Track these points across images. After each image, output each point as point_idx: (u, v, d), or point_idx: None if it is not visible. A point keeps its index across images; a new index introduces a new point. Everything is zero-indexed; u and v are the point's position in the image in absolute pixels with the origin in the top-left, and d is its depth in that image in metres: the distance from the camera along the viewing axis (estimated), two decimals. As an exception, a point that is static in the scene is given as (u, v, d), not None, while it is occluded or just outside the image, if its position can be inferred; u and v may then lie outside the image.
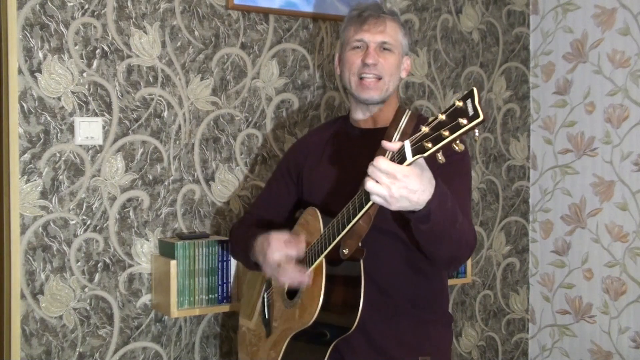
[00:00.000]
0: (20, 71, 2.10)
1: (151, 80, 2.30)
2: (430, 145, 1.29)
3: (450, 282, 2.78)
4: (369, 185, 1.37)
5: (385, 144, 1.39)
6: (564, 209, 3.06)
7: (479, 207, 3.04)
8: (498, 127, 3.09)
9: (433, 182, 1.41)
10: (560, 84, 3.06)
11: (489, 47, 3.04)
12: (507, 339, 3.17)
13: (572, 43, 3.00)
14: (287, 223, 1.98)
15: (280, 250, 1.72)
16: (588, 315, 2.97)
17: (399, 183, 1.35)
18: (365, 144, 1.79)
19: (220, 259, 2.27)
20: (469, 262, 2.79)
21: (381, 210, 1.63)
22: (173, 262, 2.19)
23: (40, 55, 2.13)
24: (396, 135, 1.74)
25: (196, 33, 2.37)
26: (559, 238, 3.08)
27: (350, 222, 1.54)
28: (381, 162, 1.35)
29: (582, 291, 2.99)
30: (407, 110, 1.81)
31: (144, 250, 2.31)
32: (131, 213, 2.28)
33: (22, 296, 2.13)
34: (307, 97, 2.59)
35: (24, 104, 2.11)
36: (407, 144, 1.34)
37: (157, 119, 2.31)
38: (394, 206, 1.38)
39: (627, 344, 2.83)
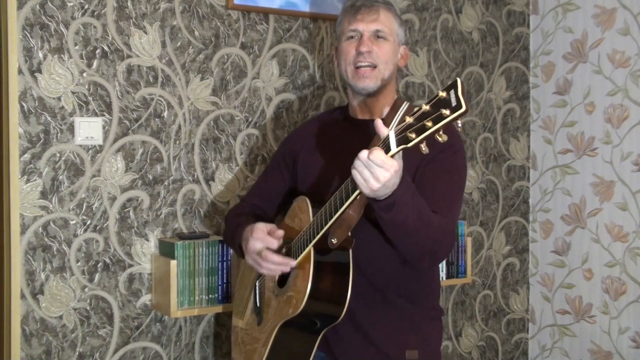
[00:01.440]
0: (20, 71, 2.10)
1: (151, 80, 2.30)
2: (413, 135, 1.31)
3: (450, 282, 2.78)
4: (358, 168, 1.41)
5: (377, 124, 1.41)
6: (564, 209, 3.06)
7: (479, 207, 3.04)
8: (498, 127, 3.09)
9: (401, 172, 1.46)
10: (560, 84, 3.06)
11: (489, 47, 3.04)
12: (507, 339, 3.17)
13: (572, 43, 3.00)
14: (280, 211, 2.00)
15: (261, 240, 1.75)
16: (588, 315, 2.97)
17: (388, 175, 1.39)
18: (360, 135, 1.80)
19: (220, 259, 2.27)
20: (469, 262, 2.79)
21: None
22: (173, 262, 2.19)
23: (40, 55, 2.13)
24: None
25: (196, 33, 2.37)
26: (559, 238, 3.08)
27: (338, 210, 1.55)
28: (378, 154, 1.38)
29: (582, 291, 2.99)
30: (405, 102, 1.82)
31: (144, 250, 2.31)
32: (131, 213, 2.28)
33: (22, 296, 2.13)
34: (307, 97, 2.59)
35: (24, 104, 2.12)
36: (392, 135, 1.36)
37: (157, 119, 2.31)
38: (372, 193, 1.44)
39: (627, 344, 2.84)
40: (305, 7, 2.54)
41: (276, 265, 1.73)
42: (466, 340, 3.04)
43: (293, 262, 1.72)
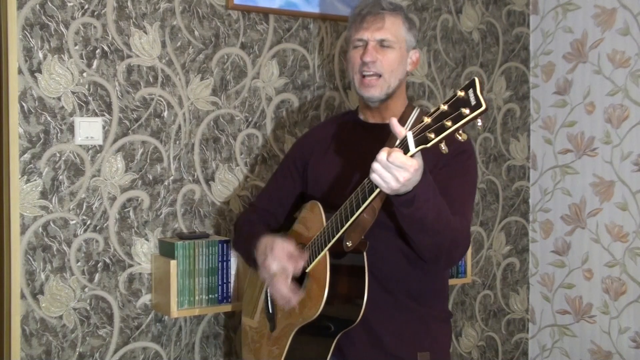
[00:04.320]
0: (20, 71, 2.10)
1: (151, 80, 2.30)
2: (433, 135, 1.31)
3: (450, 282, 2.77)
4: (376, 169, 1.41)
5: (393, 122, 1.41)
6: (564, 209, 3.06)
7: (479, 207, 3.04)
8: (498, 127, 3.09)
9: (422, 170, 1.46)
10: (560, 84, 3.06)
11: (489, 47, 3.04)
12: (507, 339, 3.17)
13: (572, 43, 3.00)
14: (291, 216, 1.99)
15: (280, 261, 1.72)
16: (588, 315, 2.97)
17: (408, 175, 1.39)
18: (372, 139, 1.79)
19: (220, 259, 2.27)
20: (469, 262, 2.79)
21: (384, 206, 1.65)
22: (173, 262, 2.19)
23: (40, 55, 2.13)
24: None
25: (196, 33, 2.37)
26: (559, 238, 3.08)
27: (354, 213, 1.56)
28: (397, 157, 1.38)
29: (582, 291, 2.99)
30: (417, 107, 1.81)
31: (144, 250, 2.31)
32: (131, 213, 2.28)
33: (22, 296, 2.13)
34: (307, 97, 2.59)
35: (24, 104, 2.11)
36: (410, 135, 1.36)
37: (157, 119, 2.31)
38: (392, 191, 1.44)
39: (627, 344, 2.84)
40: (305, 7, 2.54)
41: (282, 296, 1.73)
42: (466, 340, 3.04)
43: (295, 300, 1.72)
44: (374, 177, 1.43)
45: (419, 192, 1.46)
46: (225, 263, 2.28)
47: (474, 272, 3.03)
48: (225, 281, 2.28)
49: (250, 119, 2.48)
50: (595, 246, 2.94)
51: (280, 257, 1.72)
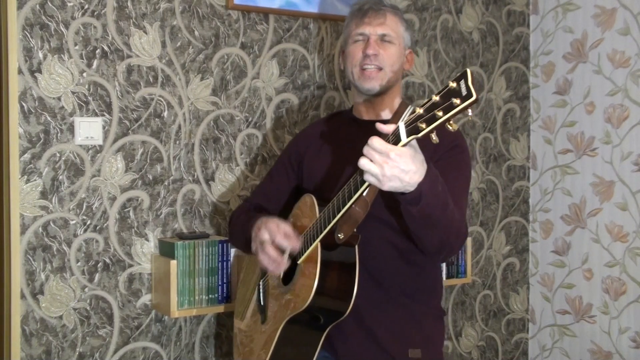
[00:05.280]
0: (20, 71, 2.10)
1: (151, 80, 2.30)
2: (424, 125, 1.32)
3: (450, 282, 2.78)
4: (362, 162, 1.40)
5: (379, 125, 1.42)
6: (564, 209, 3.06)
7: (479, 207, 3.04)
8: (498, 127, 3.09)
9: (425, 164, 1.44)
10: (560, 84, 3.06)
11: (489, 47, 3.04)
12: (507, 339, 3.17)
13: (572, 43, 3.00)
14: (285, 212, 2.00)
15: (270, 231, 1.74)
16: (588, 315, 2.97)
17: (392, 162, 1.38)
18: (366, 134, 1.80)
19: (220, 259, 2.27)
20: (469, 262, 2.79)
21: (377, 199, 1.65)
22: (173, 262, 2.19)
23: (40, 55, 2.13)
24: None
25: (196, 33, 2.37)
26: (559, 238, 3.08)
27: (346, 204, 1.56)
28: (375, 141, 1.38)
29: (582, 291, 2.99)
30: (410, 106, 1.83)
31: (144, 250, 2.31)
32: (131, 213, 2.28)
33: (22, 296, 2.13)
34: (307, 97, 2.59)
35: (24, 104, 2.12)
36: (402, 125, 1.37)
37: (157, 119, 2.31)
38: (386, 186, 1.41)
39: (627, 344, 2.84)
40: (305, 7, 2.54)
41: (269, 259, 1.73)
42: (466, 340, 3.04)
43: (285, 263, 1.72)
44: (361, 165, 1.42)
45: (425, 188, 1.45)
46: (225, 263, 2.28)
47: (474, 272, 3.03)
48: (225, 281, 2.28)
49: (250, 119, 2.48)
50: (595, 246, 2.94)
51: (273, 230, 1.74)
